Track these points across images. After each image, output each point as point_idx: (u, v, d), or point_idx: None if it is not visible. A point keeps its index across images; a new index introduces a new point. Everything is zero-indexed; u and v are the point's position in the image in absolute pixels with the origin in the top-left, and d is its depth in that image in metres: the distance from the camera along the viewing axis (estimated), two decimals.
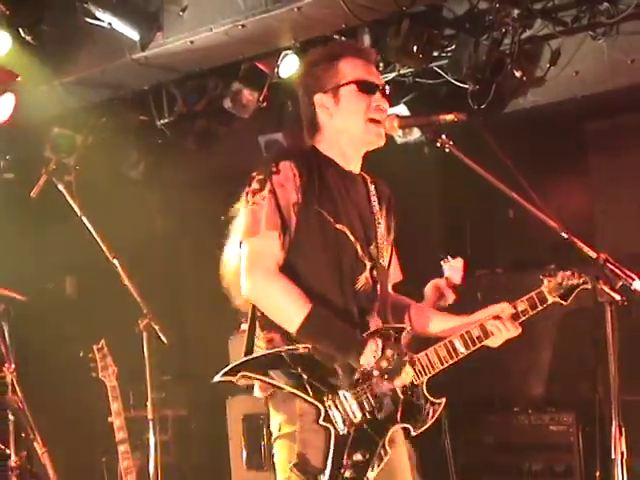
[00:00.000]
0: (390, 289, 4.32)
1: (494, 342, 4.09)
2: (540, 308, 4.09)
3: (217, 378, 3.85)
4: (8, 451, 6.24)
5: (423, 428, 3.98)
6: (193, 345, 10.75)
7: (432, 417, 4.00)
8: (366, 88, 4.06)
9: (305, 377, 3.78)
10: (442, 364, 3.97)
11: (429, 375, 3.96)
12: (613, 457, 3.58)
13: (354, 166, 4.15)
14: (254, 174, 3.94)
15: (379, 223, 4.15)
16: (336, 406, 3.77)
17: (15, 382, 6.23)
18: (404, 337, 3.95)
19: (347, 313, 3.91)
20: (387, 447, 3.84)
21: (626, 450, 3.57)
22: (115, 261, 6.47)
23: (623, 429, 3.58)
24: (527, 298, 4.08)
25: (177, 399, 9.82)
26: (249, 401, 7.56)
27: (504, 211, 7.88)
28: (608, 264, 3.64)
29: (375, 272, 4.04)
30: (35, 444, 6.05)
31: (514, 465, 7.73)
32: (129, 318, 6.57)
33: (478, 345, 4.03)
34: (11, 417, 6.20)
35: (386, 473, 3.85)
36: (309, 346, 3.78)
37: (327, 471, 3.71)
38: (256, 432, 8.27)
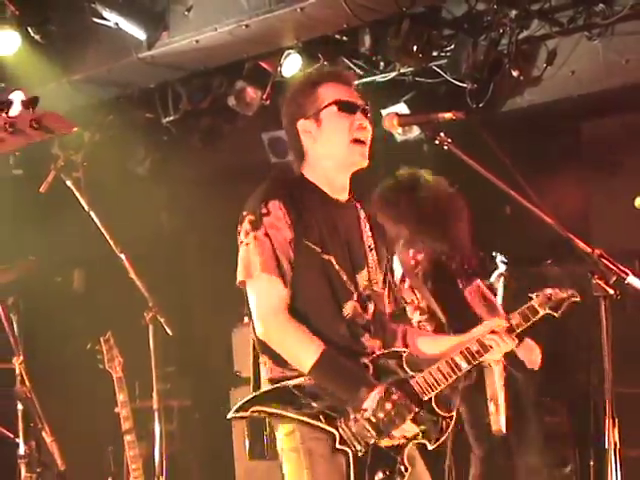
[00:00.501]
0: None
1: (494, 356, 4.10)
2: (533, 320, 4.10)
3: (230, 415, 3.86)
4: (17, 440, 6.25)
5: (439, 442, 3.97)
6: (197, 337, 10.78)
7: (446, 430, 3.98)
8: (347, 108, 4.03)
9: (316, 406, 3.79)
10: (446, 380, 3.95)
11: (435, 392, 3.94)
12: (606, 447, 3.60)
13: (341, 193, 4.12)
14: (245, 213, 3.94)
15: (371, 249, 4.13)
16: (350, 429, 3.76)
17: (24, 373, 6.23)
18: (405, 359, 3.96)
19: (342, 339, 3.91)
20: (406, 464, 3.85)
21: (619, 440, 3.59)
22: (122, 255, 6.48)
23: (616, 420, 3.59)
24: (519, 312, 4.10)
25: (182, 390, 9.84)
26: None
27: (501, 208, 7.87)
28: (603, 259, 3.66)
29: (365, 298, 4.03)
30: (43, 433, 6.06)
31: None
32: (135, 311, 6.58)
33: (478, 360, 4.02)
34: (20, 407, 6.20)
35: None
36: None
37: None
38: (258, 422, 8.26)
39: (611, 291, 3.61)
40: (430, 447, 3.95)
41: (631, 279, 3.59)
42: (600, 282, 3.62)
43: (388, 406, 3.72)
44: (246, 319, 4.31)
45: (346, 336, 3.92)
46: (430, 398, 3.93)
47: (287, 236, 3.86)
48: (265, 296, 3.86)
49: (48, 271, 8.47)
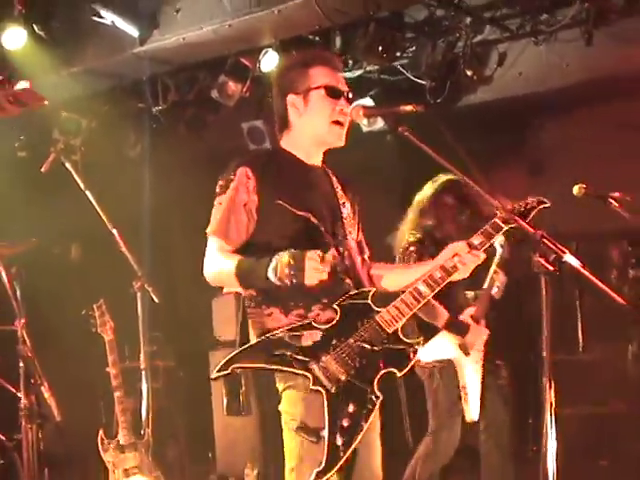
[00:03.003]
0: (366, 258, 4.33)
1: (464, 274, 4.07)
2: (497, 235, 4.01)
3: (214, 375, 3.85)
4: (19, 394, 6.23)
5: (406, 369, 3.94)
6: (181, 305, 10.76)
7: (414, 357, 3.95)
8: (333, 93, 4.05)
9: (288, 354, 3.79)
10: (410, 309, 3.92)
11: (400, 322, 3.91)
12: (543, 406, 3.63)
13: (315, 160, 4.16)
14: (219, 179, 4.01)
15: (344, 204, 4.15)
16: (321, 370, 3.77)
17: (25, 335, 6.20)
18: (372, 297, 3.94)
19: (323, 285, 3.83)
20: (377, 392, 3.84)
21: (554, 401, 3.61)
22: (114, 230, 6.46)
23: (552, 383, 3.62)
24: (481, 231, 4.02)
25: (166, 352, 9.81)
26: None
27: None
28: (543, 239, 3.67)
29: (342, 247, 4.05)
30: (42, 388, 6.04)
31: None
32: (125, 281, 6.57)
33: (442, 284, 3.97)
34: (21, 365, 6.19)
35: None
36: (285, 330, 3.81)
37: (326, 425, 3.73)
38: (235, 383, 8.29)
39: (551, 268, 3.63)
40: (399, 375, 3.92)
41: (568, 257, 3.61)
42: (541, 260, 3.63)
43: (285, 259, 3.67)
44: (225, 289, 4.31)
45: (328, 282, 3.88)
46: (396, 329, 3.92)
47: (244, 199, 3.91)
48: (212, 252, 3.94)
49: (48, 244, 8.43)
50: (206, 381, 8.81)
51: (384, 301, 3.97)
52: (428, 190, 6.21)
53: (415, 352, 3.96)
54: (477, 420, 5.98)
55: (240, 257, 3.85)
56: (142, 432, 6.53)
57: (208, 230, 3.99)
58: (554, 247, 3.63)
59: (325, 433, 3.73)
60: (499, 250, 6.10)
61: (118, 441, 6.37)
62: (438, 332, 5.81)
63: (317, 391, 3.76)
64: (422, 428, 6.27)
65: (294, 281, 3.66)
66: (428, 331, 5.76)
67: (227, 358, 3.84)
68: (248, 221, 3.94)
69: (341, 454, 3.74)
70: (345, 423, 3.76)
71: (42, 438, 6.33)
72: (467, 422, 5.98)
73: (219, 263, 3.91)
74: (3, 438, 6.71)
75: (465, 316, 5.88)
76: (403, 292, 3.98)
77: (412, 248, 5.91)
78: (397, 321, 3.91)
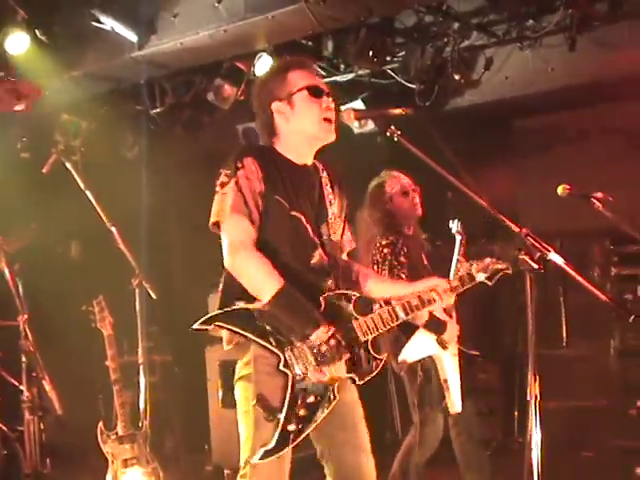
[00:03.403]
0: (345, 256, 4.37)
1: (436, 309, 4.18)
2: (469, 285, 4.14)
3: (195, 326, 3.88)
4: (21, 387, 6.25)
5: (367, 379, 4.01)
6: (178, 301, 10.76)
7: (375, 369, 4.02)
8: (316, 93, 4.09)
9: (269, 329, 3.82)
10: (384, 327, 3.99)
11: (374, 334, 3.98)
12: (528, 399, 3.65)
13: (306, 159, 4.18)
14: (222, 170, 3.99)
15: (330, 204, 4.18)
16: (294, 355, 3.80)
17: (27, 330, 6.23)
18: (354, 302, 3.99)
19: (306, 281, 3.95)
20: (336, 393, 3.89)
21: (539, 393, 3.64)
22: (113, 229, 6.49)
23: (537, 377, 3.64)
24: (459, 277, 4.14)
25: (164, 347, 9.81)
26: (224, 349, 7.58)
27: (443, 192, 7.90)
28: (529, 238, 3.69)
29: (327, 247, 4.09)
30: (44, 382, 6.07)
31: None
32: (124, 277, 6.59)
33: (416, 312, 4.06)
34: (24, 359, 6.21)
35: (338, 409, 3.92)
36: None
37: (284, 409, 3.76)
38: (230, 376, 8.27)
39: (535, 266, 3.65)
40: (358, 382, 4.00)
41: (552, 256, 3.63)
42: (526, 258, 3.66)
43: (332, 342, 3.79)
44: (220, 287, 4.32)
45: (312, 280, 3.98)
46: (367, 340, 3.97)
47: (257, 187, 3.92)
48: (234, 232, 3.90)
49: (49, 242, 8.44)
50: (201, 374, 8.83)
51: (364, 310, 4.02)
52: (373, 185, 6.30)
53: (377, 365, 4.02)
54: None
55: (284, 283, 3.81)
56: (140, 424, 6.55)
57: (217, 218, 3.95)
58: (539, 245, 3.66)
59: (282, 416, 3.77)
60: (458, 238, 6.21)
61: (117, 433, 6.38)
62: (417, 330, 5.82)
63: (284, 373, 3.80)
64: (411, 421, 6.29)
65: (319, 361, 3.79)
66: (408, 330, 5.79)
67: (210, 315, 3.88)
68: (259, 207, 3.93)
69: (290, 440, 3.79)
70: (302, 412, 3.81)
71: (44, 429, 6.36)
72: (451, 414, 6.00)
73: (258, 266, 3.87)
74: (6, 429, 6.72)
75: (439, 313, 5.90)
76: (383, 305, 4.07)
77: (386, 250, 5.93)
78: (371, 333, 3.98)
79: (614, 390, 8.42)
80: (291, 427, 3.78)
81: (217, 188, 3.97)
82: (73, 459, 6.97)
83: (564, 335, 8.70)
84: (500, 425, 8.59)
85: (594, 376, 8.57)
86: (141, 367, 6.74)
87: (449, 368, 5.85)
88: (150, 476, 6.43)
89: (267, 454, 3.78)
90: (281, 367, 3.79)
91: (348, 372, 3.94)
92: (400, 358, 5.87)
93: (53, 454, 6.60)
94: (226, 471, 8.44)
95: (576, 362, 8.62)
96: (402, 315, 4.03)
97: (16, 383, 6.45)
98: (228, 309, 3.92)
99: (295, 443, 3.80)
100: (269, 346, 3.80)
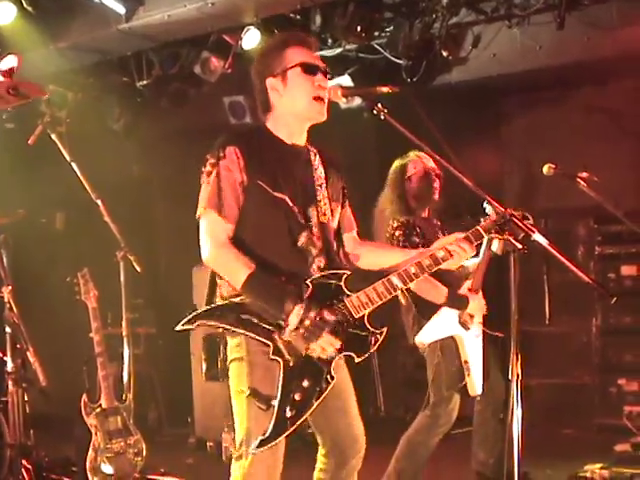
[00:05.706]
0: (354, 236, 4.33)
1: (454, 265, 4.07)
2: (476, 243, 3.96)
3: (179, 327, 3.86)
4: (6, 359, 6.25)
5: (366, 355, 3.96)
6: (162, 274, 10.79)
7: (374, 345, 3.97)
8: (309, 69, 4.03)
9: (254, 320, 3.81)
10: (380, 299, 3.93)
11: (368, 309, 3.92)
12: (510, 378, 3.67)
13: (298, 139, 4.13)
14: (208, 156, 3.96)
15: (320, 186, 4.12)
16: (284, 341, 3.79)
17: (12, 301, 6.21)
18: (344, 279, 3.98)
19: (292, 263, 3.92)
20: (333, 373, 3.86)
21: (521, 371, 3.66)
22: (98, 201, 6.46)
23: (519, 355, 3.66)
24: (465, 236, 3.98)
25: (148, 319, 9.85)
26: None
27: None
28: (513, 218, 3.71)
29: (316, 229, 4.05)
30: (28, 354, 6.05)
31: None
32: (108, 250, 6.58)
33: (415, 280, 3.96)
34: (8, 330, 6.20)
35: (333, 391, 3.91)
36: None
37: (278, 395, 3.76)
38: (214, 349, 8.33)
39: (519, 246, 3.66)
40: (357, 360, 3.94)
41: (536, 236, 3.64)
42: (510, 238, 3.67)
43: (307, 322, 3.74)
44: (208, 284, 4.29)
45: (301, 262, 3.94)
46: (363, 315, 3.92)
47: (237, 178, 3.89)
48: (207, 228, 3.89)
49: (34, 213, 8.42)
50: (185, 348, 8.85)
51: (356, 286, 3.98)
52: (397, 165, 6.21)
53: (377, 340, 3.98)
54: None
55: (252, 270, 3.80)
56: (123, 397, 6.56)
57: (198, 211, 3.93)
58: (523, 226, 3.67)
59: (276, 403, 3.76)
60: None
61: (100, 405, 6.39)
62: (437, 311, 5.79)
63: (275, 361, 3.79)
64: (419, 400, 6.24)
65: (306, 337, 3.76)
66: (427, 311, 5.77)
67: (194, 314, 3.86)
68: (239, 199, 3.91)
69: (288, 426, 3.77)
70: (297, 397, 3.79)
71: (27, 401, 6.36)
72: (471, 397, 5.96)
73: (228, 259, 3.87)
74: None
75: (463, 289, 5.85)
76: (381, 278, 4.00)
77: (398, 232, 5.88)
78: (365, 308, 3.92)
79: (595, 368, 8.49)
80: (288, 413, 3.76)
81: (203, 177, 3.96)
82: (57, 431, 6.97)
83: (547, 313, 8.75)
84: None
85: (576, 353, 8.64)
86: (125, 339, 6.75)
87: (471, 349, 5.79)
88: (133, 448, 6.46)
89: (264, 442, 3.75)
90: (271, 356, 3.78)
91: (345, 350, 3.89)
92: (417, 339, 5.83)
93: (37, 425, 6.60)
94: (209, 443, 8.48)
95: (558, 339, 8.69)
96: (398, 283, 3.95)
97: (0, 354, 6.44)
98: (208, 307, 3.93)
99: (294, 428, 3.78)
100: (257, 337, 3.79)
